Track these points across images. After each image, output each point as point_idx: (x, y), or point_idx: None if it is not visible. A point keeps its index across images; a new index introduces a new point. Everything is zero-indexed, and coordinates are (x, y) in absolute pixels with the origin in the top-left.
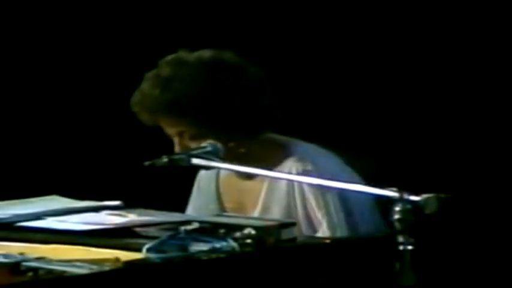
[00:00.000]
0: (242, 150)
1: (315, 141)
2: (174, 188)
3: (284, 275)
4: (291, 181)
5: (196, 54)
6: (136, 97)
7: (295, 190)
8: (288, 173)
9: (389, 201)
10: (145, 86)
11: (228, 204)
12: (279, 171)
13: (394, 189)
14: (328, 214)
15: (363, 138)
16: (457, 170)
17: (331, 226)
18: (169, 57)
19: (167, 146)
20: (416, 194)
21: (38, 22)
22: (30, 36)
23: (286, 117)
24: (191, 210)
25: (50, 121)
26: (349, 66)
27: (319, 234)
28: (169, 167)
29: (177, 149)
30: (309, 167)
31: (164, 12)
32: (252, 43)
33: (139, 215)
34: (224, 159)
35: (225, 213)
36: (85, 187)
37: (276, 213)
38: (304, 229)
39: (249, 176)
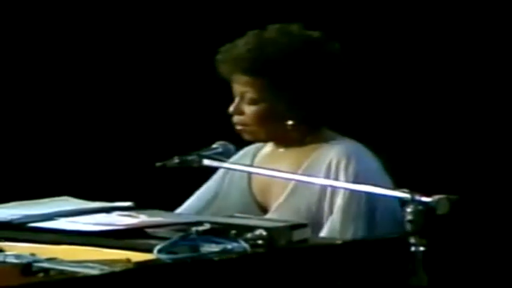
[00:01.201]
0: (296, 134)
1: None
2: (186, 189)
3: (295, 276)
4: (329, 171)
5: (304, 30)
6: (225, 46)
7: (331, 177)
8: (329, 162)
9: (401, 203)
10: (241, 39)
11: (256, 186)
12: (322, 160)
13: (406, 190)
14: (349, 203)
15: (375, 140)
16: (469, 171)
17: (347, 215)
18: (279, 24)
19: (178, 147)
20: (428, 195)
21: (47, 22)
22: (41, 38)
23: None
24: (204, 189)
25: (62, 123)
26: (363, 67)
27: (330, 221)
28: (180, 168)
29: (231, 109)
30: (352, 162)
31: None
32: None
33: (151, 215)
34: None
35: (237, 215)
36: (96, 188)
37: (306, 197)
38: (326, 216)
39: (286, 159)
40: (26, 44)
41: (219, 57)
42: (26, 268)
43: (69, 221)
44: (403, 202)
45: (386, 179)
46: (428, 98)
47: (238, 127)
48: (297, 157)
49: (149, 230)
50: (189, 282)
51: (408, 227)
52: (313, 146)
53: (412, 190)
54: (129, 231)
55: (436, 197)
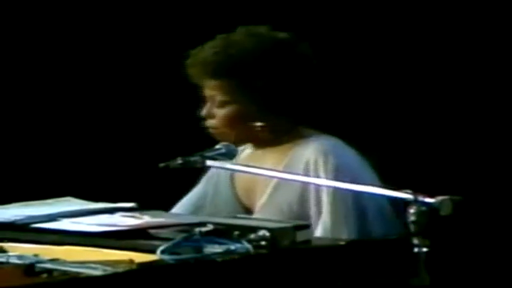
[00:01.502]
0: (272, 134)
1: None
2: (189, 190)
3: (298, 277)
4: (307, 169)
5: (271, 31)
6: (194, 50)
7: (311, 175)
8: (306, 161)
9: (404, 203)
10: (209, 43)
11: (239, 186)
12: (299, 159)
13: (409, 191)
14: (334, 202)
15: (377, 140)
16: (472, 172)
17: (336, 214)
18: (247, 26)
19: (182, 147)
20: (431, 196)
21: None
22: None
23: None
24: (191, 194)
25: (65, 124)
26: (366, 68)
27: (321, 223)
28: (183, 169)
29: (203, 112)
30: (330, 158)
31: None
32: None
33: (154, 216)
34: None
35: (240, 215)
36: (99, 189)
37: (287, 197)
38: (313, 214)
39: (266, 159)
40: (28, 48)
41: (187, 61)
42: (29, 269)
43: (73, 222)
44: (406, 203)
45: (369, 172)
46: (431, 99)
47: (211, 130)
48: (275, 157)
49: (152, 231)
50: (192, 283)
51: (411, 227)
52: (289, 145)
53: (415, 191)
54: (132, 232)
55: (439, 198)
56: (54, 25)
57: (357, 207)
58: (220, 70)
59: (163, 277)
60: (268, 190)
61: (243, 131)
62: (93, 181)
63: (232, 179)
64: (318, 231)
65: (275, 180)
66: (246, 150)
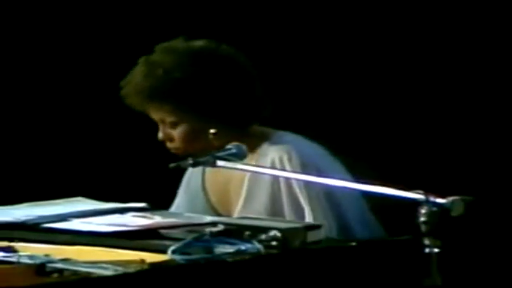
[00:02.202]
0: (215, 142)
1: (335, 143)
2: None
3: (309, 277)
4: (274, 168)
5: (187, 43)
6: (125, 80)
7: (279, 177)
8: (271, 161)
9: (415, 204)
10: (135, 70)
11: (213, 198)
12: (264, 160)
13: (420, 191)
14: (311, 201)
15: (388, 141)
16: (484, 172)
17: (315, 213)
18: (163, 44)
19: None
20: (443, 197)
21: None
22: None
23: (304, 118)
24: (175, 208)
25: (77, 123)
26: (379, 69)
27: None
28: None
29: (160, 136)
30: (293, 154)
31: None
32: (257, 43)
33: (165, 216)
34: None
35: (251, 216)
36: (110, 189)
37: (261, 201)
38: (289, 215)
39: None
40: (43, 49)
41: (122, 93)
42: (40, 268)
43: (83, 222)
44: (417, 203)
45: (335, 162)
46: (443, 99)
47: (173, 151)
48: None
49: (163, 231)
50: (203, 283)
51: (422, 228)
52: (251, 147)
53: (427, 191)
54: (143, 232)
55: (451, 198)
56: (67, 26)
57: (331, 201)
58: (155, 93)
59: (174, 277)
60: (243, 196)
61: (201, 143)
62: (104, 181)
63: (204, 189)
64: None
65: (247, 185)
66: (207, 169)
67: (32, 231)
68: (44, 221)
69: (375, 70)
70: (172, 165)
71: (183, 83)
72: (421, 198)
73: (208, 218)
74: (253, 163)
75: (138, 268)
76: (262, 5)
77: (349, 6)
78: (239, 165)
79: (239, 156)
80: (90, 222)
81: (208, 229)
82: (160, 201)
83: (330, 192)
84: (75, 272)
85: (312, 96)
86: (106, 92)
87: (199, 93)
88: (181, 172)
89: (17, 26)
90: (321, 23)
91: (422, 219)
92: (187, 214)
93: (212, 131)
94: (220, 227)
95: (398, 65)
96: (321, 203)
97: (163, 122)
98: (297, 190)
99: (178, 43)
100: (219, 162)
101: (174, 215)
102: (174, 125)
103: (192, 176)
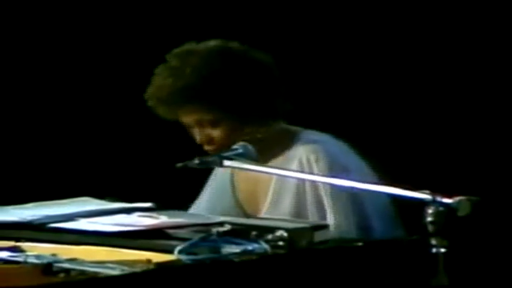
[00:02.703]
0: (258, 135)
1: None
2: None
3: (316, 277)
4: (302, 169)
5: (202, 44)
6: (150, 91)
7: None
8: (299, 162)
9: (422, 204)
10: (158, 78)
11: (240, 194)
12: (291, 161)
13: (427, 191)
14: (333, 200)
15: (395, 141)
16: (490, 172)
17: (336, 213)
18: (177, 49)
19: (199, 147)
20: (449, 197)
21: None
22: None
23: (309, 115)
24: (203, 201)
25: (83, 123)
26: (385, 69)
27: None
28: (201, 169)
29: (198, 139)
30: (320, 155)
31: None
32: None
33: (171, 216)
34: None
35: (257, 216)
36: (117, 189)
37: (287, 201)
38: (312, 215)
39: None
40: (52, 49)
41: (150, 104)
42: (47, 268)
43: (90, 222)
44: (424, 203)
45: (360, 160)
46: (451, 99)
47: (212, 153)
48: (269, 160)
49: (170, 231)
50: (209, 283)
51: (429, 228)
52: (278, 145)
53: (433, 191)
54: (150, 232)
55: (457, 198)
56: (68, 26)
57: (354, 201)
58: (189, 93)
59: (180, 277)
60: (270, 195)
61: (240, 141)
62: (111, 181)
63: (233, 186)
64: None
65: (275, 184)
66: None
67: (39, 231)
68: (51, 220)
69: (382, 70)
70: (179, 165)
71: (213, 79)
72: (428, 198)
73: (217, 218)
74: (280, 163)
75: (145, 268)
76: (279, 5)
77: (348, 7)
78: (245, 165)
79: (246, 156)
80: (97, 222)
81: (214, 229)
82: (168, 201)
83: (353, 192)
84: (81, 272)
85: (320, 97)
86: (113, 92)
87: (230, 89)
88: (187, 172)
89: (19, 28)
90: (322, 23)
91: (429, 219)
92: (193, 214)
93: (248, 130)
94: (227, 227)
95: (405, 66)
96: (344, 202)
97: (200, 124)
98: (322, 190)
99: (193, 45)
100: (226, 162)
101: (180, 214)
102: (213, 124)
103: (219, 170)
